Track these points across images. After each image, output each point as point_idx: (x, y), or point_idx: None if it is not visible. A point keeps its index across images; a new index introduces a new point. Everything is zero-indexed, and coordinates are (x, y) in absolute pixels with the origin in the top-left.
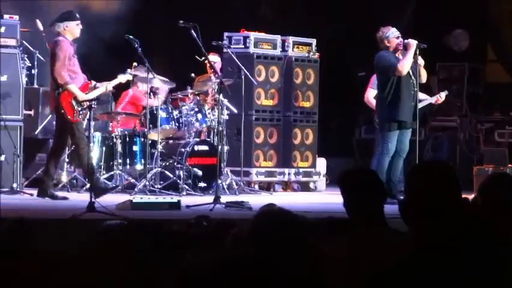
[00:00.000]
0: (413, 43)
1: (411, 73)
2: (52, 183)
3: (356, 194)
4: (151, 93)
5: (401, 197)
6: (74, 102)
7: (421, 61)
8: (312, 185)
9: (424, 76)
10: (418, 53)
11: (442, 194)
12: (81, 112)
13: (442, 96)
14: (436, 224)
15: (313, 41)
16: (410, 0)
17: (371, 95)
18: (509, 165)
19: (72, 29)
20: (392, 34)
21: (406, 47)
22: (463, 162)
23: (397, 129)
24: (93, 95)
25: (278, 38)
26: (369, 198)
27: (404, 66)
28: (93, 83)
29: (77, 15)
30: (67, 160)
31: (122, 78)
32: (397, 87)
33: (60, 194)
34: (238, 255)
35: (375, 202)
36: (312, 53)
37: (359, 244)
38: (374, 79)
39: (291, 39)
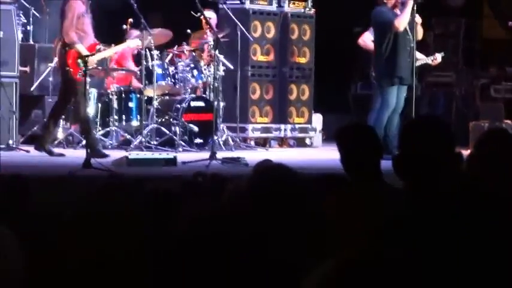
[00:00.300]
0: None
1: (408, 29)
2: (50, 140)
3: (353, 150)
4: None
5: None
6: (80, 61)
7: (418, 19)
8: (308, 141)
9: (420, 33)
10: (415, 9)
11: (437, 149)
12: (85, 71)
13: (438, 57)
14: (431, 179)
15: None
16: None
17: (367, 37)
18: (505, 120)
19: None
20: None
21: (403, 3)
22: (459, 117)
23: (396, 85)
24: (99, 56)
25: None
26: (366, 154)
27: (401, 22)
28: (100, 46)
29: None
30: (63, 116)
31: (130, 43)
32: (394, 43)
33: (56, 150)
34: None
35: (371, 158)
36: (307, 9)
37: (356, 199)
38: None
39: None
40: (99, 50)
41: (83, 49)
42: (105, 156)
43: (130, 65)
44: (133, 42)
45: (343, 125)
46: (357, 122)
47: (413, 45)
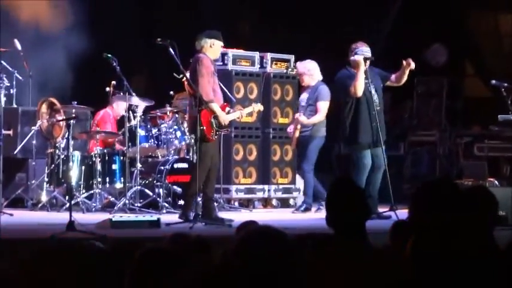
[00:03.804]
0: (359, 61)
1: (373, 92)
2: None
3: (342, 210)
4: (131, 112)
5: (380, 213)
6: (213, 121)
7: (412, 65)
8: (291, 201)
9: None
10: (366, 64)
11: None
12: (218, 132)
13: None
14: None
15: (292, 57)
16: (387, 21)
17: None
18: (489, 178)
19: (216, 49)
20: (360, 51)
21: (353, 67)
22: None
23: (364, 149)
24: (231, 117)
25: (256, 55)
26: (355, 215)
27: (357, 88)
28: (229, 108)
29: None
30: (46, 179)
31: (255, 107)
32: (356, 109)
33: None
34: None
35: (359, 218)
36: (290, 69)
37: (341, 259)
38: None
39: (269, 56)
40: (228, 112)
41: (218, 109)
42: (219, 221)
43: (109, 128)
44: (257, 106)
45: (333, 183)
46: (347, 181)
47: (379, 108)
